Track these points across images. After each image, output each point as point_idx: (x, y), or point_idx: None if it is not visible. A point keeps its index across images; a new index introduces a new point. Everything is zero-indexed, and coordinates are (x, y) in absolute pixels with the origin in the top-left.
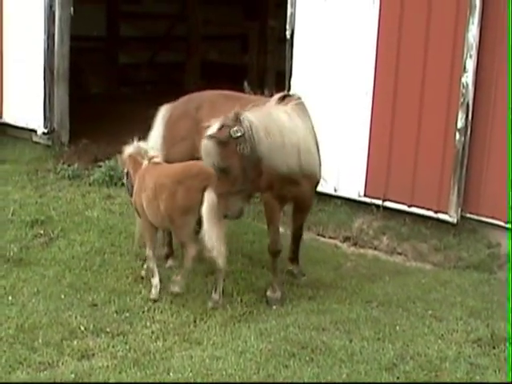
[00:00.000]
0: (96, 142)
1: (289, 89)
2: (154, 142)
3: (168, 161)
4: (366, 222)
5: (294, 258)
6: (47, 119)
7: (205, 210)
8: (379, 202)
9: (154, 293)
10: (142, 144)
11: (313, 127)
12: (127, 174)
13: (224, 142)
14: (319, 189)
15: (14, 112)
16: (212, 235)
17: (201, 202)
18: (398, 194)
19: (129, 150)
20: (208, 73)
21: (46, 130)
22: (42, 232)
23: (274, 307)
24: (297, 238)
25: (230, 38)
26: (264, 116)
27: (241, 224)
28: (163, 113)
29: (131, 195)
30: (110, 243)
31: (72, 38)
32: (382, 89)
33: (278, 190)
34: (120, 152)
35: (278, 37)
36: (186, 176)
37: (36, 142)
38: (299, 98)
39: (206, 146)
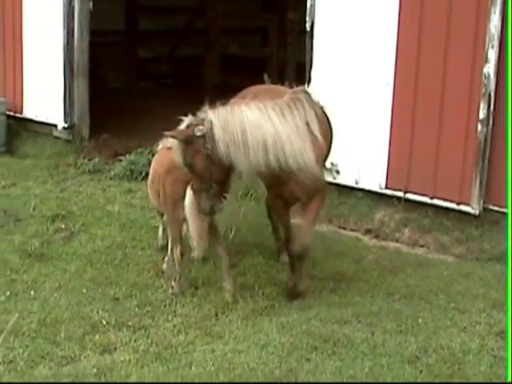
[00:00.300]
0: (116, 137)
1: (309, 81)
2: None
3: None
4: (388, 215)
5: None
6: (67, 114)
7: (186, 202)
8: (401, 194)
9: (176, 287)
10: None
11: (310, 121)
12: None
13: (188, 141)
14: (340, 181)
15: (35, 107)
16: (193, 228)
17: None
18: (419, 185)
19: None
20: (228, 66)
21: (66, 125)
22: (63, 226)
23: (295, 302)
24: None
25: (250, 30)
26: (227, 114)
27: (262, 217)
28: None
29: None
30: (131, 237)
31: (91, 32)
32: (402, 80)
33: (274, 189)
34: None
35: (298, 29)
36: (174, 166)
37: (56, 137)
38: (304, 91)
39: (173, 143)
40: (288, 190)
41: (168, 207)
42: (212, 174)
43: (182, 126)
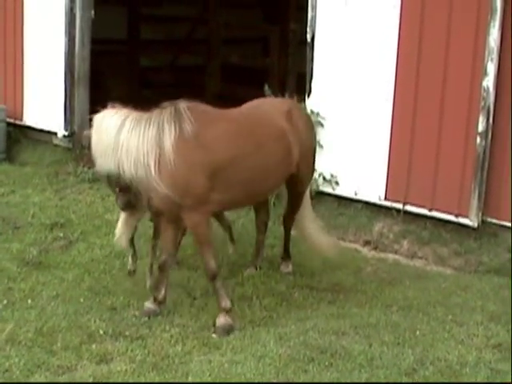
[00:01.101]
0: None
1: (309, 92)
2: None
3: None
4: (387, 226)
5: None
6: (68, 122)
7: None
8: (400, 205)
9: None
10: None
11: (165, 137)
12: None
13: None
14: (339, 192)
15: (35, 114)
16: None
17: None
18: (418, 197)
19: None
20: (229, 76)
21: (66, 133)
22: (61, 235)
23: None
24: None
25: (251, 40)
26: (97, 126)
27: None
28: None
29: None
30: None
31: (93, 40)
32: (402, 92)
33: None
34: None
35: (299, 40)
36: None
37: (56, 145)
38: (172, 107)
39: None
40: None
41: None
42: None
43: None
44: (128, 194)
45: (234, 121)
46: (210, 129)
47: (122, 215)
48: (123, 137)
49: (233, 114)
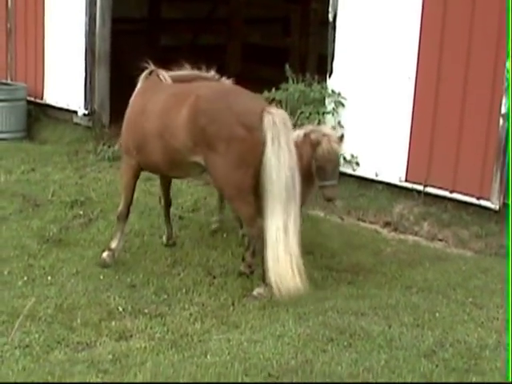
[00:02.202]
0: None
1: (331, 72)
2: None
3: None
4: (407, 208)
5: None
6: (88, 101)
7: None
8: (420, 187)
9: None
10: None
11: None
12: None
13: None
14: (360, 173)
15: (55, 93)
16: None
17: None
18: (439, 179)
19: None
20: (249, 55)
21: (86, 112)
22: (81, 213)
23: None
24: None
25: (272, 20)
26: None
27: None
28: None
29: None
30: (150, 225)
31: (113, 19)
32: (424, 73)
33: None
34: None
35: (321, 19)
36: None
37: (76, 124)
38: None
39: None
40: None
41: None
42: None
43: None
44: None
45: None
46: None
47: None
48: None
49: None
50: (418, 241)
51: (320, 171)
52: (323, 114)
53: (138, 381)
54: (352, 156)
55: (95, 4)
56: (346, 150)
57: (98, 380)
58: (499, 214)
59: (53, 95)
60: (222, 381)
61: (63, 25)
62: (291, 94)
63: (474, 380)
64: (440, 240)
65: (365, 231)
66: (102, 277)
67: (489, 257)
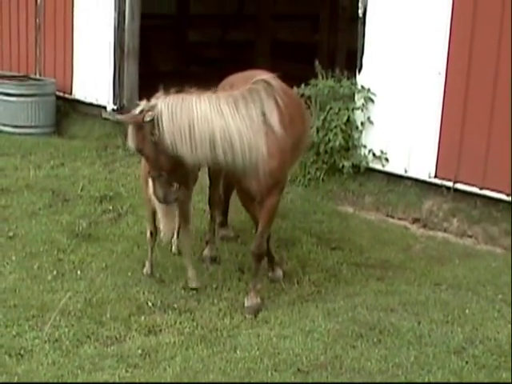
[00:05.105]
0: None
1: (360, 68)
2: None
3: None
4: (436, 204)
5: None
6: (117, 96)
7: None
8: (450, 183)
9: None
10: None
11: (268, 112)
12: None
13: (138, 126)
14: (389, 169)
15: (84, 88)
16: (159, 210)
17: None
18: (469, 175)
19: None
20: (278, 52)
21: (115, 107)
22: (110, 208)
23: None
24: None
25: (301, 16)
26: (177, 103)
27: (310, 203)
28: None
29: None
30: None
31: (142, 15)
32: (455, 68)
33: (232, 182)
34: None
35: (350, 15)
36: None
37: (105, 119)
38: (263, 81)
39: (127, 127)
40: (243, 184)
41: (141, 186)
42: (160, 161)
43: (136, 111)
44: (166, 184)
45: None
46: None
47: (161, 209)
48: (226, 123)
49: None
50: (448, 237)
51: None
52: (353, 109)
53: (167, 375)
54: (381, 152)
55: (125, 0)
56: (375, 145)
57: (128, 375)
58: None
59: (81, 90)
60: (251, 375)
61: (92, 20)
62: (321, 89)
63: (503, 376)
64: (469, 236)
65: (394, 227)
66: (131, 272)
67: None
